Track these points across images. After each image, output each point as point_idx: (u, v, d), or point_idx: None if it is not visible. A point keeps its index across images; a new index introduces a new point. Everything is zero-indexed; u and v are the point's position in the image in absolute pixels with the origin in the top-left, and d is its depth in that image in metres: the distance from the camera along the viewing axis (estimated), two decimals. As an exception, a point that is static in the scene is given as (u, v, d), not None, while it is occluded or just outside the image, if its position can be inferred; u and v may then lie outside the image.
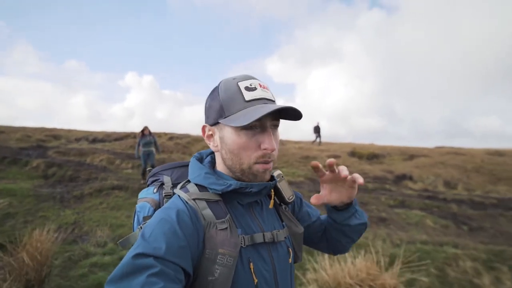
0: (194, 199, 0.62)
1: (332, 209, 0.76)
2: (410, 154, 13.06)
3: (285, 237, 0.69)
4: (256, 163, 0.62)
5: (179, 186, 0.69)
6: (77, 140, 12.85)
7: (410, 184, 9.09)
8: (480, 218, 5.71)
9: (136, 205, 0.74)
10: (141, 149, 6.93)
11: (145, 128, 7.00)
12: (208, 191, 0.64)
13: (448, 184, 9.00)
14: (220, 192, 0.63)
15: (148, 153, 6.90)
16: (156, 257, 0.49)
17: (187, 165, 0.74)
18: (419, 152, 13.68)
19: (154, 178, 0.77)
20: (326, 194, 0.71)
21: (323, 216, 0.87)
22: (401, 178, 9.67)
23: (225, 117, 0.62)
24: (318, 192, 0.72)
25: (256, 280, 0.59)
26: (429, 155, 12.80)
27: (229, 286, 0.56)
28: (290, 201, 0.75)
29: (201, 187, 0.65)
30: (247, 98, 0.61)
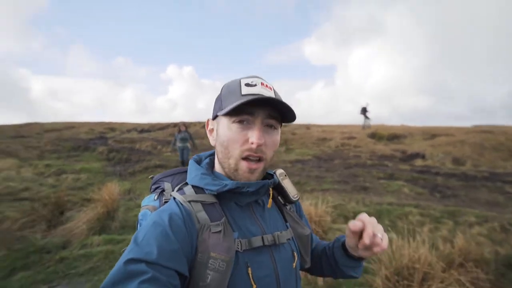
0: (189, 201, 0.61)
1: (344, 252, 0.71)
2: (431, 134, 13.18)
3: (288, 239, 0.67)
4: (242, 158, 0.61)
5: (176, 188, 0.69)
6: (128, 131, 15.45)
7: (419, 161, 9.62)
8: (460, 188, 6.38)
9: (139, 213, 0.73)
10: (178, 144, 7.76)
11: (181, 124, 8.10)
12: (205, 193, 0.63)
13: (457, 161, 9.33)
14: (215, 193, 0.62)
15: (183, 148, 7.68)
16: (148, 262, 0.49)
17: (187, 171, 0.73)
18: (445, 131, 13.64)
19: (156, 186, 0.77)
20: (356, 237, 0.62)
21: (322, 242, 0.83)
22: (413, 157, 10.17)
23: (221, 110, 0.63)
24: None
25: (254, 286, 0.57)
26: (453, 134, 12.79)
27: None
28: (295, 199, 0.73)
29: (197, 189, 0.64)
30: (243, 92, 0.61)
